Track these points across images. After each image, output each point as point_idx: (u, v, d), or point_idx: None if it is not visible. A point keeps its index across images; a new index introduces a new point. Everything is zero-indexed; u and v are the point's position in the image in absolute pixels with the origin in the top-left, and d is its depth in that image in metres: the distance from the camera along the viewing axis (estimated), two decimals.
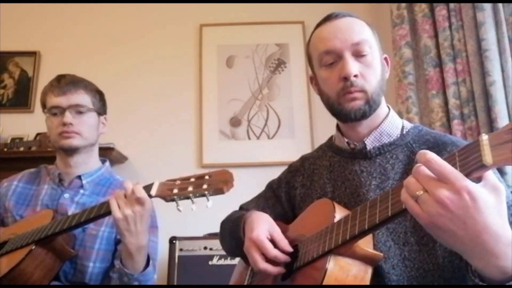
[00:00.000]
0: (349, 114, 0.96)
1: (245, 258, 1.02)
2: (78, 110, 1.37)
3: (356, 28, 0.97)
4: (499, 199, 0.58)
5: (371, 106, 0.95)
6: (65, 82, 1.39)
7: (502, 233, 0.57)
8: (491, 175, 0.59)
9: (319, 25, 1.03)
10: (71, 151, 1.38)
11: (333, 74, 0.96)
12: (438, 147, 0.93)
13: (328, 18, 1.01)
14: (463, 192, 0.56)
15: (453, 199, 0.57)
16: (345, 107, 0.96)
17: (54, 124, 1.37)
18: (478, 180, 0.59)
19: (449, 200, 0.57)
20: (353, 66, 0.93)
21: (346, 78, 0.94)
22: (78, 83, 1.41)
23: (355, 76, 0.93)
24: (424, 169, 0.60)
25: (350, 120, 0.98)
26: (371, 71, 0.95)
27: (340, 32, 0.96)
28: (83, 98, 1.39)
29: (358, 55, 0.95)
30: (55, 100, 1.37)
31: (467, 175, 0.58)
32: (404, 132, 1.00)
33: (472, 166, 0.58)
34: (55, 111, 1.37)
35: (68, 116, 1.35)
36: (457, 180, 0.57)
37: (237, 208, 1.27)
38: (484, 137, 0.58)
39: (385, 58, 1.04)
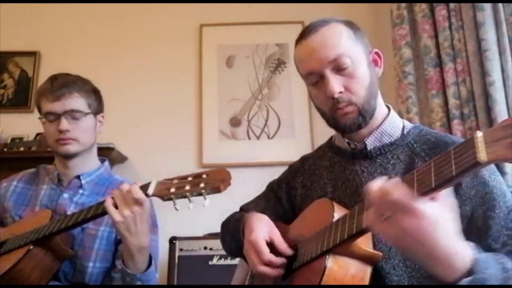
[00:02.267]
0: (345, 128, 0.97)
1: (245, 259, 1.02)
2: (74, 116, 1.33)
3: (330, 43, 0.94)
4: (449, 216, 0.66)
5: (364, 116, 0.95)
6: (58, 86, 1.34)
7: (451, 247, 0.66)
8: (442, 194, 0.66)
9: (296, 42, 1.01)
10: (69, 156, 1.37)
11: (320, 92, 0.97)
12: (440, 148, 0.93)
13: (302, 36, 0.99)
14: (422, 218, 0.63)
15: (413, 225, 0.63)
16: (340, 122, 0.97)
17: (50, 131, 1.34)
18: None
19: (411, 226, 0.63)
20: (334, 85, 0.92)
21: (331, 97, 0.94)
22: (72, 86, 1.35)
23: (340, 92, 0.93)
24: (384, 201, 0.65)
25: (348, 133, 0.99)
26: (355, 81, 0.94)
27: (315, 52, 0.95)
28: (78, 102, 1.34)
29: (339, 69, 0.93)
30: (50, 105, 1.33)
31: (462, 172, 0.59)
32: (405, 132, 1.00)
33: (467, 164, 0.59)
34: (51, 118, 1.34)
35: (64, 123, 1.31)
36: (416, 208, 0.63)
37: (237, 208, 1.27)
38: (479, 134, 0.59)
39: (376, 53, 1.02)
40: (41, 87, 1.38)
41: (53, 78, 1.37)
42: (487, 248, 0.85)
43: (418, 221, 0.63)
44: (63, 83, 1.34)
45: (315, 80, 0.97)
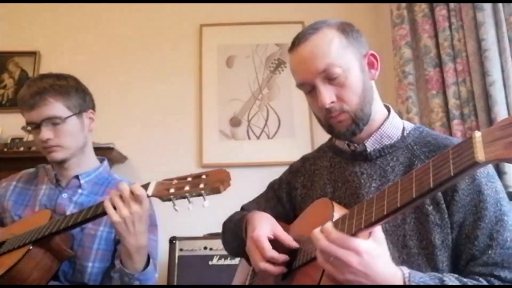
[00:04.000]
0: (340, 136, 0.99)
1: (247, 258, 1.02)
2: (53, 122, 1.28)
3: (319, 52, 0.93)
4: (384, 247, 0.77)
5: (358, 124, 0.95)
6: (30, 94, 1.27)
7: (390, 272, 0.76)
8: (378, 229, 0.76)
9: (289, 51, 1.01)
10: (59, 162, 1.35)
11: (314, 101, 0.97)
12: (440, 150, 0.93)
13: (293, 44, 0.98)
14: (364, 254, 0.73)
15: (357, 261, 0.73)
16: (335, 129, 0.98)
17: (36, 139, 1.31)
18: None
19: (356, 262, 0.73)
20: (325, 96, 0.93)
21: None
22: (46, 92, 1.27)
23: (332, 102, 0.93)
24: (329, 245, 0.74)
25: (344, 140, 1.01)
26: (347, 90, 0.94)
27: (304, 63, 0.95)
28: (55, 108, 1.28)
29: (329, 78, 0.93)
30: (27, 116, 1.29)
31: (460, 172, 0.60)
32: (405, 134, 0.99)
33: (465, 164, 0.59)
34: (31, 127, 1.31)
35: (44, 133, 1.27)
36: (358, 246, 0.73)
37: (237, 208, 1.27)
38: (477, 134, 0.59)
39: (372, 55, 1.00)
40: (19, 94, 1.32)
41: (28, 85, 1.31)
42: (470, 257, 0.87)
43: (361, 256, 0.72)
44: (36, 91, 1.28)
45: (308, 89, 0.98)
